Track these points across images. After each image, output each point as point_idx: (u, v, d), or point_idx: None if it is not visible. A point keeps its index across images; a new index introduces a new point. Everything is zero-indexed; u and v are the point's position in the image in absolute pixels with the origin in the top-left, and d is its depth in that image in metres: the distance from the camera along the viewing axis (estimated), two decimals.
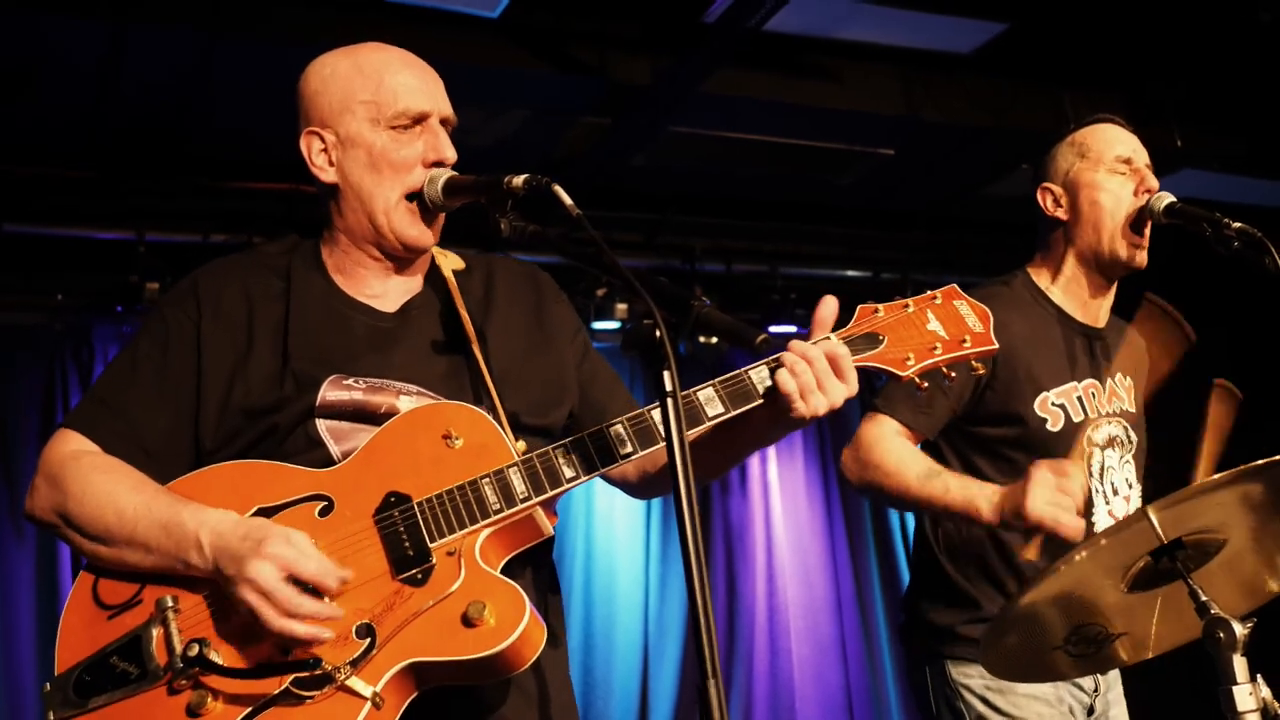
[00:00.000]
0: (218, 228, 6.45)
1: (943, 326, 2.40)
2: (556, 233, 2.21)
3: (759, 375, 2.30)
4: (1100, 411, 3.43)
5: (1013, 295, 3.50)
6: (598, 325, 7.34)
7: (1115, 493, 3.41)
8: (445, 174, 2.39)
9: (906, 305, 2.42)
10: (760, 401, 2.28)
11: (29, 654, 6.31)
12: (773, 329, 7.69)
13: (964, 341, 2.39)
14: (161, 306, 2.46)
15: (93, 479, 2.27)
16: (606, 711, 7.48)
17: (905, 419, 3.32)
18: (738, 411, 2.28)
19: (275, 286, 2.45)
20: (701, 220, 7.59)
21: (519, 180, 2.19)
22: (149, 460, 2.32)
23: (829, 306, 2.32)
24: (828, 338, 2.31)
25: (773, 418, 2.31)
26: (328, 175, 2.45)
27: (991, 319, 2.44)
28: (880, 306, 2.41)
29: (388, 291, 2.48)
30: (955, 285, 2.48)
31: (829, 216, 7.86)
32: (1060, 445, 3.35)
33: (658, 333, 1.89)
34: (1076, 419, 3.39)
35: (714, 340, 7.64)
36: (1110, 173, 3.44)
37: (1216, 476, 2.38)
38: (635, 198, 7.25)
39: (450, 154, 2.42)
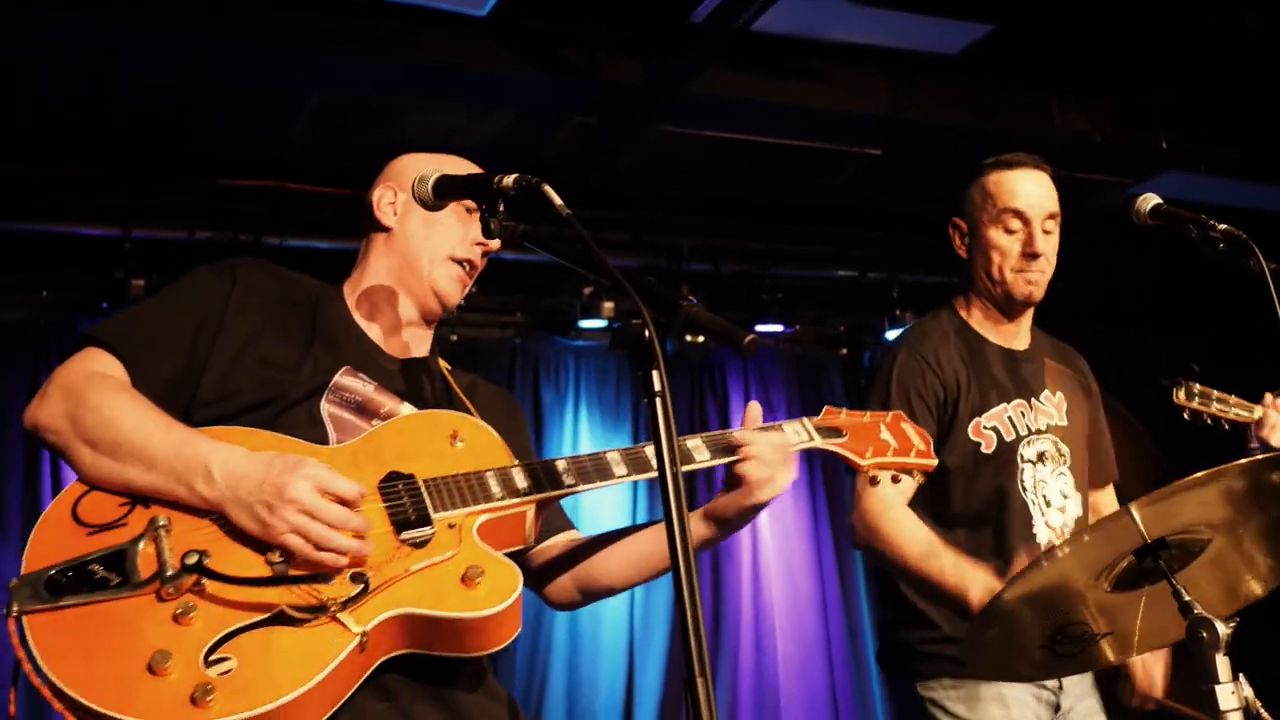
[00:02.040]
0: (204, 225, 6.44)
1: (893, 438, 2.73)
2: (546, 232, 2.24)
3: (694, 443, 2.54)
4: (1030, 429, 3.58)
5: (941, 330, 3.67)
6: (584, 324, 7.34)
7: (1049, 504, 3.55)
8: (436, 173, 2.44)
9: (864, 416, 2.76)
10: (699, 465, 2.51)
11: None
12: (760, 328, 7.71)
13: (910, 453, 2.72)
14: (199, 271, 2.53)
15: (115, 393, 2.28)
16: (592, 709, 7.49)
17: None
18: (720, 462, 2.51)
19: (302, 300, 2.58)
20: (689, 220, 7.60)
21: (509, 180, 2.24)
22: (158, 391, 2.33)
23: (756, 412, 2.60)
24: (779, 429, 2.61)
25: (731, 511, 2.56)
26: (389, 220, 2.67)
27: (932, 442, 2.78)
28: (843, 411, 2.75)
29: (396, 345, 2.64)
30: (902, 412, 2.84)
31: (816, 217, 7.87)
32: (993, 466, 3.52)
33: (646, 333, 1.90)
34: (1009, 439, 3.55)
35: (700, 339, 7.64)
36: (1000, 229, 3.59)
37: (1199, 475, 2.39)
38: (623, 198, 7.25)
39: (494, 244, 2.62)
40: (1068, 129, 6.78)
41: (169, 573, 2.08)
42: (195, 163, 6.35)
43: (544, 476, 2.35)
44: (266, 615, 2.09)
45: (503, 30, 5.59)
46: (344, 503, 2.15)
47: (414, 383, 2.58)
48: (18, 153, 6.07)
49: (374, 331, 2.62)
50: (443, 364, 2.72)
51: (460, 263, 2.64)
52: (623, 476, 2.40)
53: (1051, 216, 3.59)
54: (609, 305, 7.27)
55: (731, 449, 2.50)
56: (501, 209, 2.27)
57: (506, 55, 5.68)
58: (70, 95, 5.63)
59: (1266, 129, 7.03)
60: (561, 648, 7.51)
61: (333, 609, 2.09)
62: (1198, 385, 3.73)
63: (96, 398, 2.27)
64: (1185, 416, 3.73)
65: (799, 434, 2.63)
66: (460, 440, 2.37)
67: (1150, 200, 3.31)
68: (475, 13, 5.36)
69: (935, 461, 2.72)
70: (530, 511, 2.35)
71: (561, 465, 2.38)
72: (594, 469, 2.39)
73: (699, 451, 2.49)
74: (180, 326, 2.41)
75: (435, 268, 2.62)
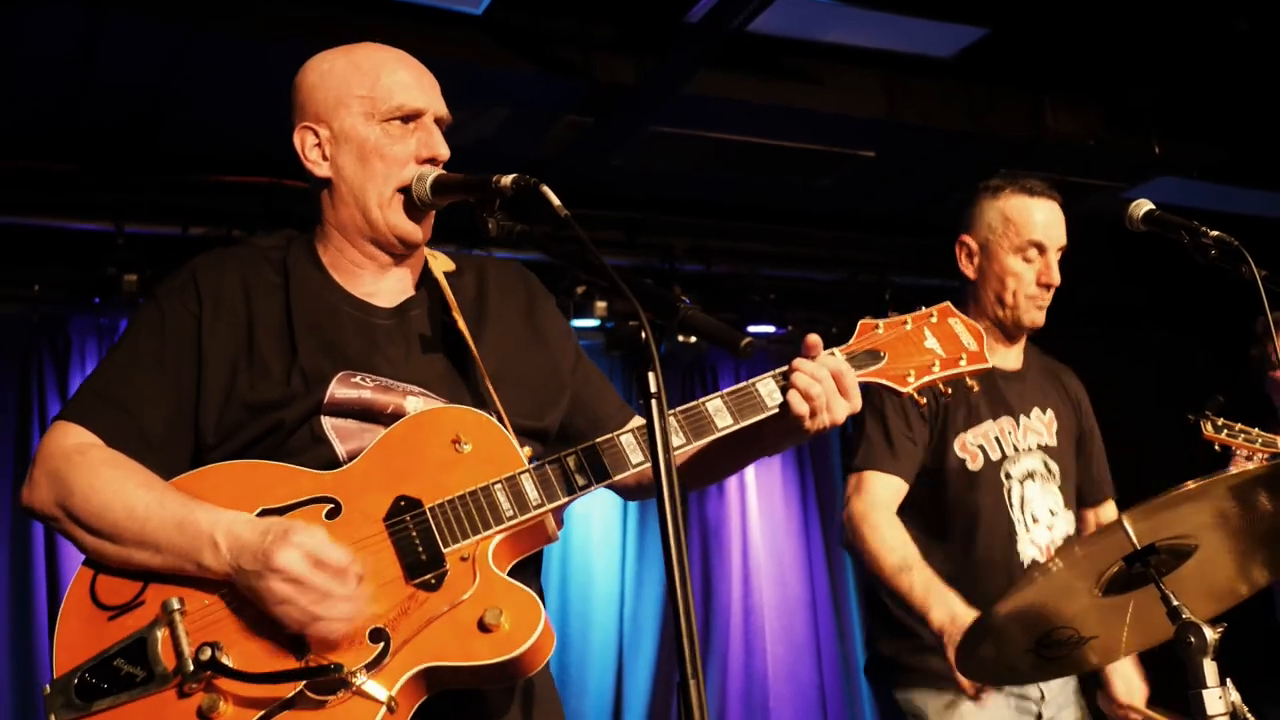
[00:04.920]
0: (197, 220, 6.43)
1: (940, 345, 2.48)
2: (543, 232, 2.22)
3: (766, 388, 2.34)
4: (1017, 447, 3.64)
5: None
6: (577, 323, 7.33)
7: (1036, 521, 3.60)
8: (434, 172, 2.39)
9: (905, 323, 2.49)
10: (768, 414, 2.32)
11: (3, 642, 6.27)
12: (752, 329, 7.71)
13: (960, 359, 2.47)
14: (159, 297, 2.42)
15: (100, 473, 2.22)
16: (581, 709, 7.48)
17: (886, 467, 3.51)
18: (747, 424, 2.33)
19: (272, 280, 2.44)
20: (682, 220, 7.59)
21: (507, 180, 2.20)
22: (150, 453, 2.28)
23: (816, 337, 2.37)
24: (833, 353, 2.38)
25: (779, 431, 2.36)
26: (321, 170, 2.46)
27: (985, 338, 2.53)
28: (880, 323, 2.47)
29: (383, 290, 2.48)
30: (950, 303, 2.55)
31: (809, 218, 7.87)
32: (979, 483, 3.57)
33: (642, 334, 1.89)
34: (994, 457, 3.60)
35: (693, 340, 7.65)
36: (1020, 258, 3.62)
37: (1191, 487, 2.39)
38: (616, 197, 7.25)
39: (444, 151, 2.44)
40: (1060, 133, 6.79)
41: (188, 668, 2.09)
42: (189, 159, 6.34)
43: (555, 481, 2.25)
44: (288, 698, 2.07)
45: (498, 29, 5.59)
46: (338, 569, 2.10)
47: (413, 334, 2.43)
48: (9, 147, 6.05)
49: (357, 286, 2.46)
50: (443, 282, 2.50)
51: (408, 189, 2.41)
52: (640, 464, 2.28)
53: (1061, 248, 3.67)
54: (602, 305, 7.27)
55: (755, 406, 2.32)
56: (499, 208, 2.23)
57: (502, 54, 5.67)
58: (64, 90, 5.61)
59: (1257, 134, 7.05)
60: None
61: (356, 681, 2.07)
62: (1222, 419, 3.80)
63: (81, 481, 2.22)
64: (1216, 449, 3.79)
65: None
66: (464, 443, 2.25)
67: (1143, 206, 3.32)
68: (472, 11, 5.35)
69: (989, 363, 2.51)
70: (548, 516, 2.26)
71: (572, 462, 2.26)
72: (608, 459, 2.27)
73: (720, 416, 2.32)
74: (154, 382, 2.32)
75: (387, 210, 2.41)
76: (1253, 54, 6.18)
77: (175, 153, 6.31)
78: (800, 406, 2.29)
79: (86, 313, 6.68)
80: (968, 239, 3.72)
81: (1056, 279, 3.61)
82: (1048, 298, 3.63)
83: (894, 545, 3.40)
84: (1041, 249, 3.61)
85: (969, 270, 3.71)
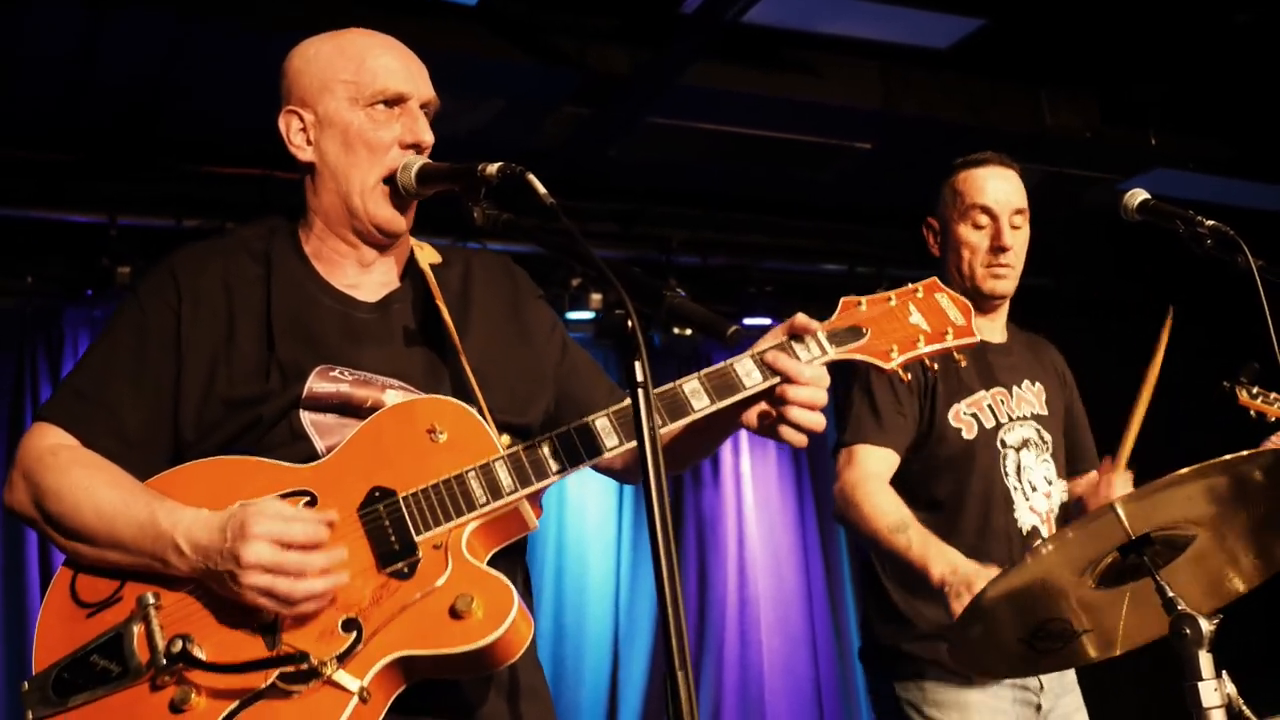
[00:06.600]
0: (191, 212, 6.41)
1: (925, 320, 2.43)
2: (530, 222, 2.20)
3: (744, 368, 2.31)
4: (1011, 416, 3.64)
5: None
6: (572, 315, 7.32)
7: (1034, 489, 3.60)
8: (419, 161, 2.37)
9: (889, 299, 2.44)
10: (745, 394, 2.29)
11: None
12: (747, 321, 7.70)
13: (946, 334, 2.42)
14: (138, 294, 2.41)
15: (70, 474, 2.23)
16: (576, 701, 7.49)
17: (875, 440, 3.50)
18: (724, 404, 2.29)
19: (254, 271, 2.42)
20: (678, 212, 7.59)
21: (493, 168, 2.17)
22: (129, 451, 2.28)
23: (806, 319, 2.36)
24: (789, 351, 2.33)
25: (753, 416, 2.34)
26: (305, 154, 2.44)
27: (973, 311, 2.49)
28: (863, 300, 2.44)
29: (367, 282, 2.46)
30: (936, 278, 2.51)
31: (805, 210, 7.86)
32: (975, 452, 3.55)
33: (629, 323, 1.87)
34: (989, 425, 3.59)
35: (688, 332, 7.64)
36: (969, 225, 3.66)
37: (1183, 471, 2.38)
38: (612, 188, 7.23)
39: (427, 137, 2.42)
40: (1057, 125, 6.78)
41: (160, 661, 2.09)
42: (182, 150, 6.32)
43: (529, 466, 2.22)
44: (260, 689, 2.07)
45: (494, 19, 5.58)
46: (306, 543, 2.10)
47: (396, 327, 2.40)
48: (5, 141, 6.04)
49: (340, 277, 2.43)
50: (429, 274, 2.47)
51: (393, 178, 2.38)
52: (614, 448, 2.25)
53: (1019, 212, 3.65)
54: (596, 297, 7.25)
55: (732, 386, 2.28)
56: (484, 197, 2.22)
57: (497, 44, 5.66)
58: (57, 81, 5.60)
59: (1255, 126, 7.04)
60: (546, 639, 7.50)
61: (326, 671, 2.05)
62: (1258, 387, 3.83)
63: (53, 482, 2.23)
64: (1252, 415, 3.81)
65: (808, 352, 2.34)
66: (439, 432, 2.24)
67: (1138, 196, 3.31)
68: (467, 1, 5.34)
69: (977, 337, 2.44)
70: (523, 502, 2.24)
71: (546, 448, 2.23)
72: (582, 443, 2.24)
73: (697, 398, 2.27)
74: (133, 381, 2.31)
75: (368, 198, 2.38)
76: (1252, 47, 6.16)
77: (170, 147, 6.29)
78: (799, 442, 2.30)
79: (80, 305, 6.66)
80: (931, 219, 3.78)
81: (1008, 242, 3.60)
82: (1004, 263, 3.61)
83: (888, 508, 3.38)
84: (991, 214, 3.62)
85: (935, 249, 3.78)
